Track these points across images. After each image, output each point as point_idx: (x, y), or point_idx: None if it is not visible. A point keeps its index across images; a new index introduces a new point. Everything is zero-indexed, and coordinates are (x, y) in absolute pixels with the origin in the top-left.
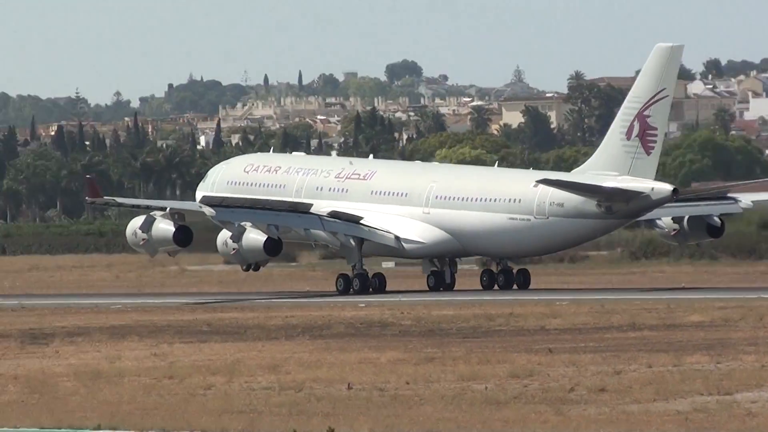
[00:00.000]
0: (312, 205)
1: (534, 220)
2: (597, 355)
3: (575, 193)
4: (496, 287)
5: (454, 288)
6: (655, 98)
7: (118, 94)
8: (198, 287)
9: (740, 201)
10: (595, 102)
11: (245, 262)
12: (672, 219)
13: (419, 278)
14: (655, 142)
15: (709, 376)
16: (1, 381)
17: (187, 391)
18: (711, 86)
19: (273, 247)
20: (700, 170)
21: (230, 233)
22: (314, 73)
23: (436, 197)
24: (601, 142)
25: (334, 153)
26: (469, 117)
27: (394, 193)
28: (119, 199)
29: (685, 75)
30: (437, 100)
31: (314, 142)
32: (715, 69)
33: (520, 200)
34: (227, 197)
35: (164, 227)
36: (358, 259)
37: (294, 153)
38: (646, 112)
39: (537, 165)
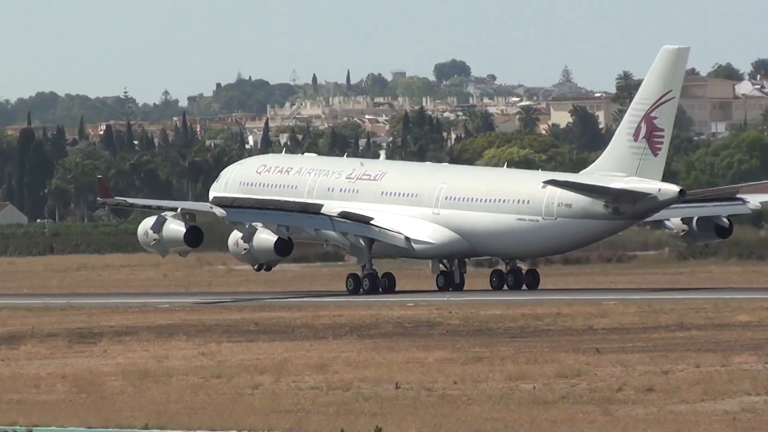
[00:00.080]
0: (323, 205)
1: (542, 220)
2: (645, 354)
3: (583, 194)
4: (505, 287)
5: (464, 288)
6: (662, 100)
7: (166, 93)
8: (245, 287)
9: (748, 202)
10: None
11: (256, 262)
12: (681, 220)
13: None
14: (661, 143)
15: (756, 376)
16: (50, 380)
17: (235, 390)
18: (759, 86)
19: (283, 248)
20: (749, 170)
21: (241, 233)
22: (362, 73)
23: (446, 198)
24: (610, 142)
25: (382, 153)
26: (517, 117)
27: (404, 193)
28: (130, 200)
29: (734, 75)
30: (485, 100)
31: (362, 142)
32: (763, 69)
33: (528, 201)
34: (238, 198)
35: (175, 228)
36: (368, 260)
37: (306, 154)
38: (652, 114)
39: (585, 165)
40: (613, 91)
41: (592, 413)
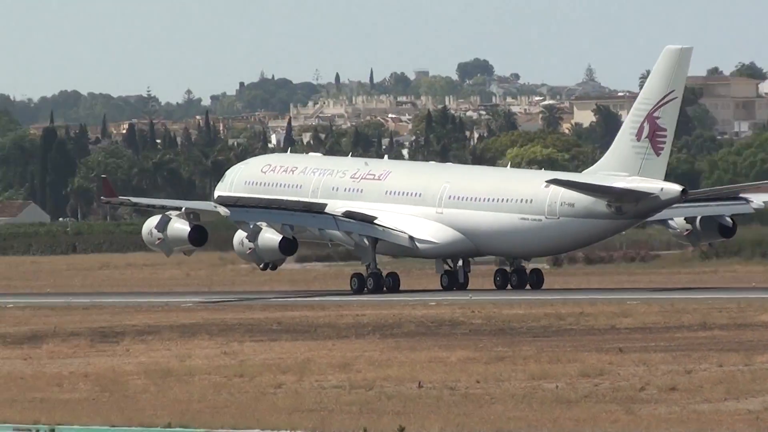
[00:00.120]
0: (326, 205)
1: (545, 220)
2: (667, 354)
3: (585, 194)
4: (509, 287)
5: (468, 287)
6: (665, 100)
7: (189, 92)
8: (269, 286)
9: (752, 201)
10: None
11: (261, 261)
12: (684, 219)
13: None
14: (664, 143)
15: None
16: (72, 379)
17: (258, 389)
18: None
19: (288, 247)
20: None
21: (246, 233)
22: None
23: (450, 197)
24: (612, 143)
25: (405, 152)
26: (540, 116)
27: (408, 193)
28: (134, 199)
29: (757, 74)
30: (508, 99)
31: (385, 141)
32: None
33: (531, 200)
34: (241, 197)
35: (179, 227)
36: (372, 259)
37: (311, 153)
38: (655, 114)
39: None
40: (637, 90)
41: (614, 412)
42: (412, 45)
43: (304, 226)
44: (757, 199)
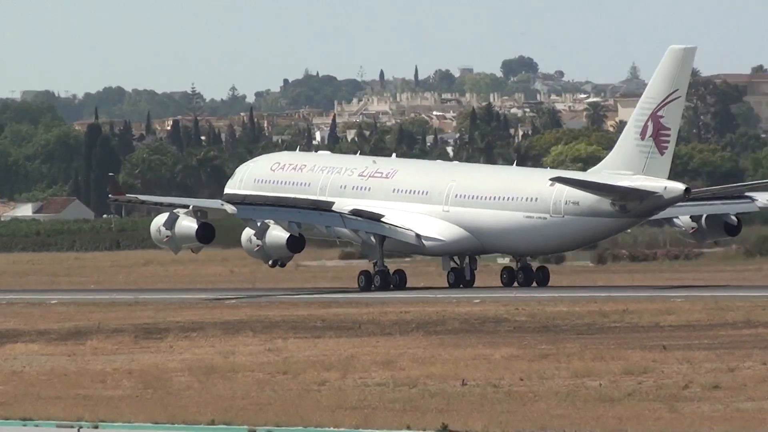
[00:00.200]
0: (334, 203)
1: (550, 218)
2: (711, 352)
3: (590, 192)
4: (515, 284)
5: (474, 285)
6: (669, 99)
7: (233, 89)
8: (312, 283)
9: (756, 200)
10: (711, 99)
11: (269, 258)
12: (690, 218)
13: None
14: (668, 141)
15: None
16: (116, 376)
17: (301, 386)
18: None
19: (295, 244)
20: None
21: (254, 230)
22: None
23: (456, 195)
24: (618, 141)
25: (449, 150)
26: (584, 113)
27: (415, 191)
28: (142, 197)
29: None
30: (553, 96)
31: (430, 138)
32: None
33: (536, 199)
34: (249, 195)
35: (187, 224)
36: (380, 256)
37: (320, 151)
38: (659, 113)
39: None
40: None
41: (658, 410)
42: (456, 42)
43: (311, 224)
44: (762, 198)
